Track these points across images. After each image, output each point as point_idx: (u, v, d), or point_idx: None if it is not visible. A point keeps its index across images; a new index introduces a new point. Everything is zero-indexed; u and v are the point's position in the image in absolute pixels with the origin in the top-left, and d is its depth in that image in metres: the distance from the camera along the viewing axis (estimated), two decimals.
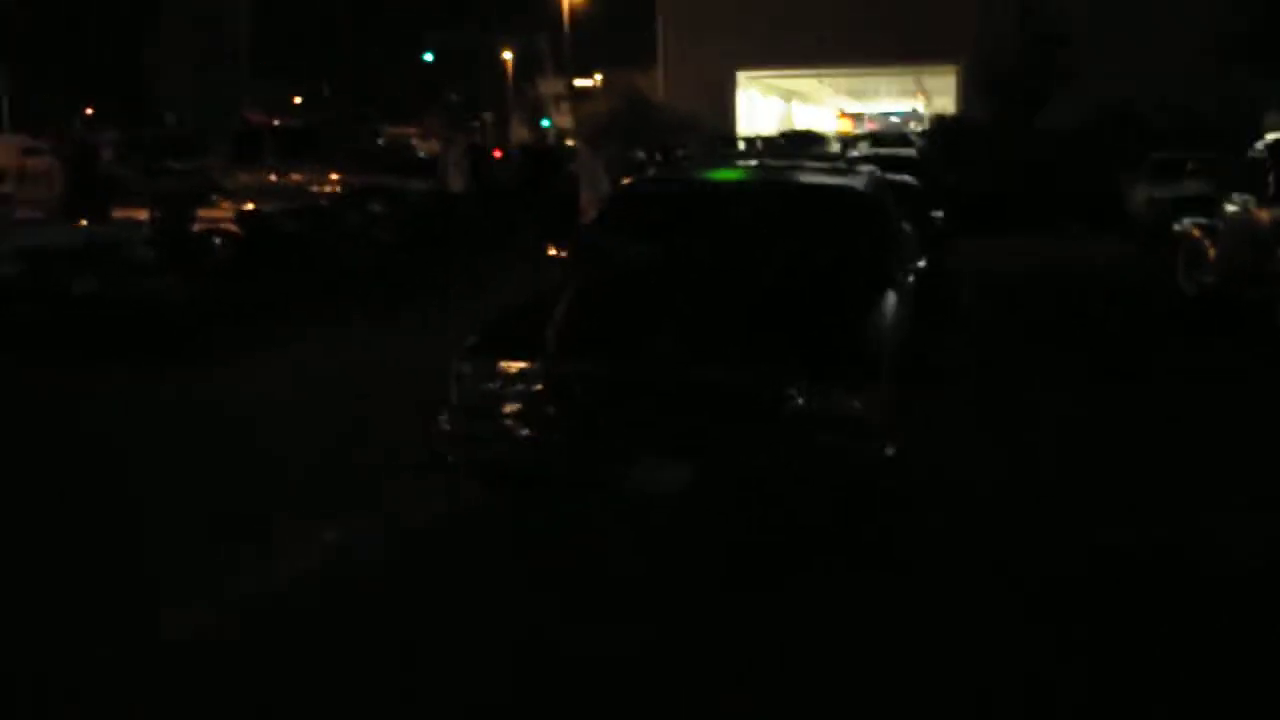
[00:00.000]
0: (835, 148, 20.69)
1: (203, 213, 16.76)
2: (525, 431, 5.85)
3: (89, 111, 46.54)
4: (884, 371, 5.77)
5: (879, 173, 9.33)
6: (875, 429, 5.64)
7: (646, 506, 5.84)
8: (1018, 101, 29.15)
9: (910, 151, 19.62)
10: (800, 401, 5.63)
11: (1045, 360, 10.63)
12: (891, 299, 6.81)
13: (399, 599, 5.52)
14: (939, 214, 13.57)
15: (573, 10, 51.87)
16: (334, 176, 21.34)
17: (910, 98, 59.38)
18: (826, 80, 56.06)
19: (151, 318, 12.00)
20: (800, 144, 24.49)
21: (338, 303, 14.34)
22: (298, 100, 53.08)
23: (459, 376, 6.04)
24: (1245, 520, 6.45)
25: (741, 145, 32.65)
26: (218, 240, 16.55)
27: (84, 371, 10.31)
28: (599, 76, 58.50)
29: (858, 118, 64.05)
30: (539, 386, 5.84)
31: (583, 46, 55.52)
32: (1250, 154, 13.56)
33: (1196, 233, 14.22)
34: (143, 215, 15.53)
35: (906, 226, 9.25)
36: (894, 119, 61.47)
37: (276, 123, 28.75)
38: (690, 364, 5.74)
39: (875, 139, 32.27)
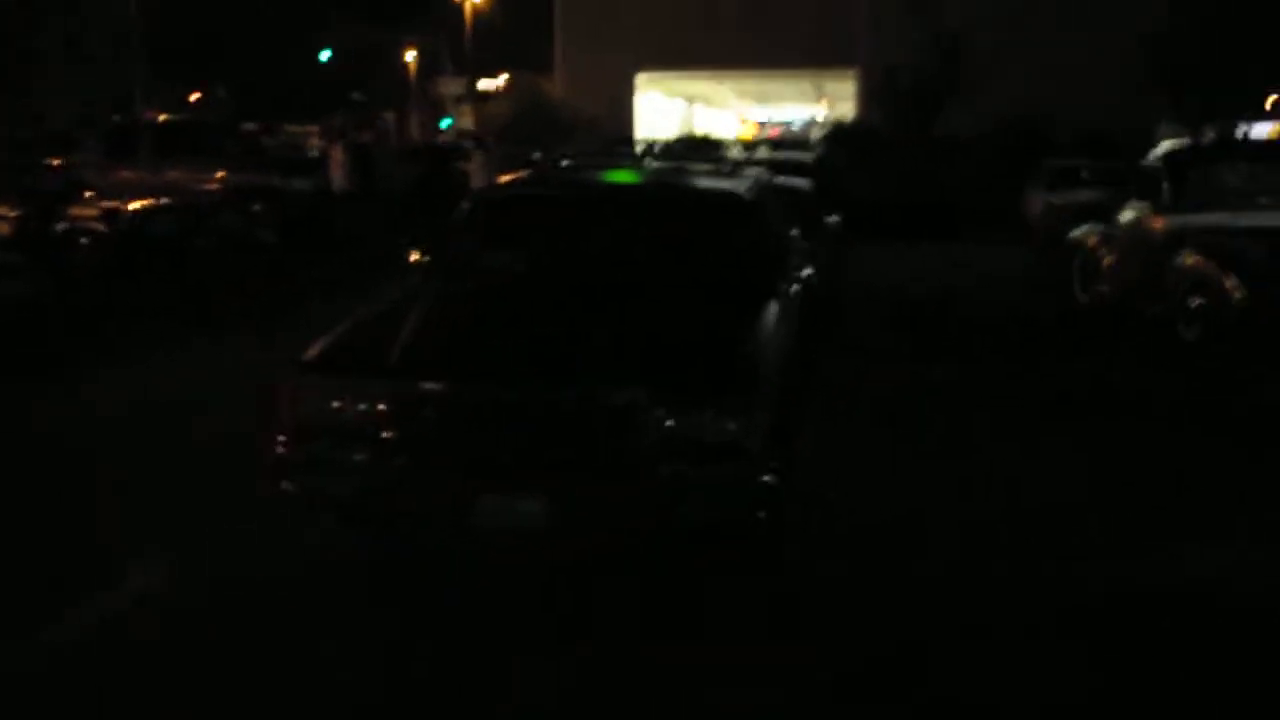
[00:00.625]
0: (735, 152, 20.29)
1: (75, 211, 15.95)
2: (360, 458, 5.19)
3: None
4: (760, 391, 5.25)
5: (766, 176, 8.86)
6: (751, 455, 5.13)
7: (494, 546, 5.28)
8: (913, 107, 29.08)
9: (806, 156, 19.19)
10: (668, 425, 5.10)
11: (926, 375, 10.17)
12: (772, 311, 6.25)
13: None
14: (835, 219, 13.19)
15: (474, 11, 50.97)
16: (218, 175, 20.57)
17: (812, 103, 59.32)
18: (728, 84, 55.80)
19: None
20: (697, 149, 24.06)
21: (209, 309, 13.60)
22: (194, 98, 51.69)
23: (291, 395, 5.39)
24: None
25: (638, 149, 32.24)
26: (84, 240, 15.74)
27: None
28: (504, 78, 57.67)
29: (761, 123, 63.87)
30: (376, 408, 5.20)
31: (484, 47, 54.61)
32: (1145, 162, 13.34)
33: (1092, 241, 14.00)
34: (5, 213, 14.67)
35: (794, 233, 8.78)
36: (796, 125, 61.37)
37: (161, 118, 27.77)
38: (544, 385, 5.18)
39: (776, 144, 31.97)
